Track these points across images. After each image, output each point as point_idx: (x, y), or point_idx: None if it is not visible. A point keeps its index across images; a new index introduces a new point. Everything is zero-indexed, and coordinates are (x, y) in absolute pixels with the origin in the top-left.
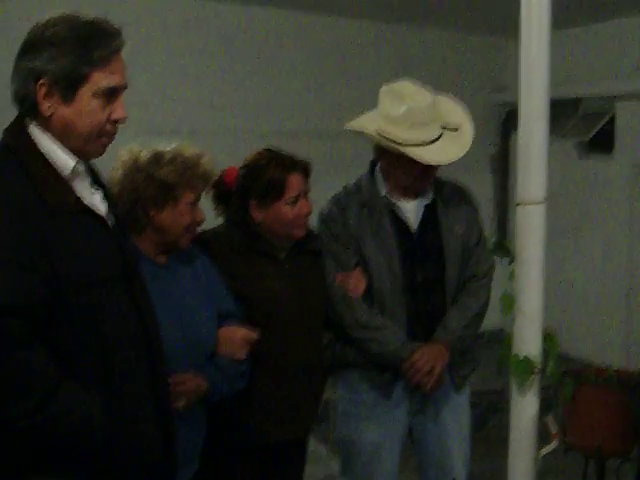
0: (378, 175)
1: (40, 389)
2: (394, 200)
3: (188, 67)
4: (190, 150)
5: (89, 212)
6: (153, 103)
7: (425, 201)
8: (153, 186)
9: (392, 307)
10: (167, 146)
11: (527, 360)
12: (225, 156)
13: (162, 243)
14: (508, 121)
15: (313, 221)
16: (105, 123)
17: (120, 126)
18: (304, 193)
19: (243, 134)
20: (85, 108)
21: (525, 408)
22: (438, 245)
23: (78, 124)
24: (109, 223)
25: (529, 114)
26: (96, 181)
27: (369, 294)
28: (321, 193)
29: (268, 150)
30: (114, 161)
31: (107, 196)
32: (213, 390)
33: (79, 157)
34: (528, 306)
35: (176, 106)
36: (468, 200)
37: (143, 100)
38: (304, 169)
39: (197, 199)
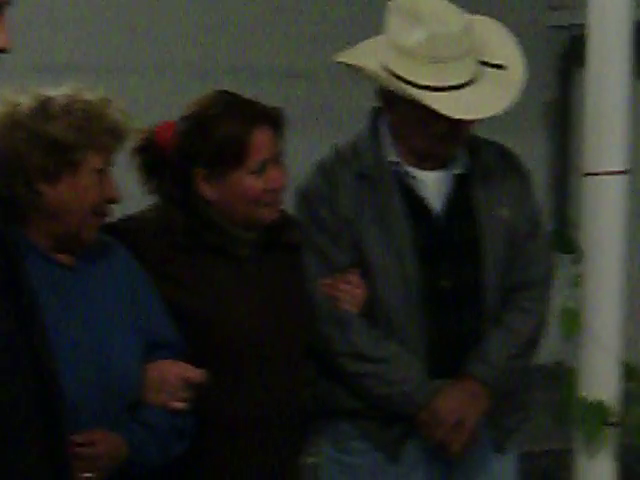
0: (384, 132)
1: None
2: (408, 169)
3: None
4: (91, 94)
5: None
6: (49, 29)
7: (454, 171)
8: (40, 148)
9: (404, 328)
10: (58, 90)
11: (599, 406)
12: (156, 105)
13: (57, 235)
14: (572, 53)
15: (289, 200)
16: None
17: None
18: (275, 157)
19: (182, 72)
20: None
21: (596, 477)
22: (473, 236)
23: None
24: None
25: (604, 42)
26: None
27: (371, 308)
28: (299, 158)
29: (221, 94)
30: None
31: None
32: (136, 456)
33: None
34: (601, 327)
35: (83, 33)
36: (518, 170)
37: (35, 24)
38: (275, 122)
39: (106, 165)
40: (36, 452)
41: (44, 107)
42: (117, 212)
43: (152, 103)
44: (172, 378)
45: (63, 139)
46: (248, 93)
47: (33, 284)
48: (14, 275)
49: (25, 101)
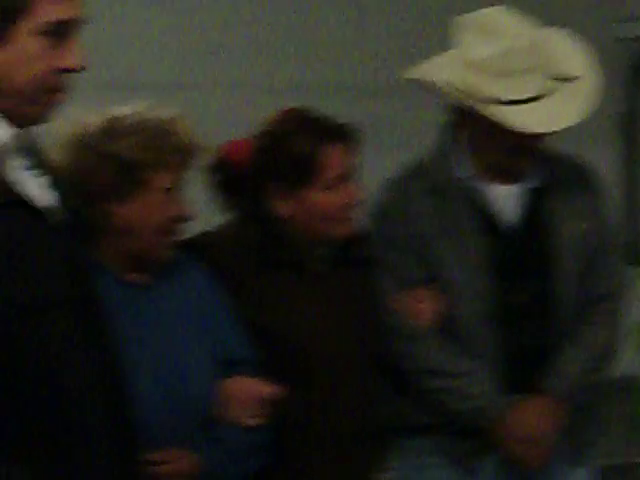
0: (456, 147)
1: None
2: (481, 184)
3: None
4: (158, 112)
5: (23, 205)
6: (121, 47)
7: (529, 185)
8: (108, 168)
9: (479, 343)
10: (126, 109)
11: None
12: (227, 122)
13: (129, 253)
14: None
15: (361, 215)
16: (53, 73)
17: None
18: (349, 173)
19: (253, 89)
20: (24, 51)
21: None
22: (547, 250)
23: (14, 74)
24: (61, 222)
25: None
26: (38, 161)
27: (445, 324)
28: (371, 173)
29: (295, 111)
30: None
31: (56, 183)
32: (212, 474)
33: (15, 123)
34: None
35: (154, 51)
36: (591, 183)
37: (106, 42)
38: (348, 138)
39: (176, 183)
40: (107, 470)
41: (113, 126)
42: (188, 229)
43: (223, 120)
44: (248, 395)
45: (131, 158)
46: (319, 110)
47: (104, 302)
48: (84, 291)
49: (94, 121)
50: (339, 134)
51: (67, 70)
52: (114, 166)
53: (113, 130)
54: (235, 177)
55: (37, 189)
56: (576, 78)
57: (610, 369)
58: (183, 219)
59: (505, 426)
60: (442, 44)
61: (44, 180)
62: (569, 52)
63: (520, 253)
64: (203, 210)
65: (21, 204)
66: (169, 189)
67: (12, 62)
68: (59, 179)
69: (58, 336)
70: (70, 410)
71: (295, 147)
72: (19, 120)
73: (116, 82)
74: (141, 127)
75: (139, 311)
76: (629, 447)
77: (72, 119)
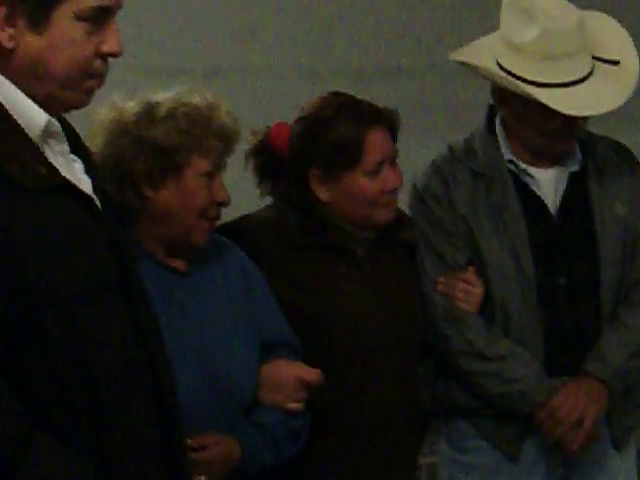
0: (499, 131)
1: (4, 449)
2: (523, 167)
3: None
4: (197, 98)
5: (70, 189)
6: (159, 32)
7: (569, 168)
8: (144, 153)
9: (521, 326)
10: (163, 94)
11: None
12: (266, 106)
13: (167, 239)
14: None
15: (403, 199)
16: (92, 58)
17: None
18: (390, 158)
19: (292, 74)
20: (63, 37)
21: None
22: (589, 233)
23: (53, 60)
24: (103, 206)
25: None
26: (75, 146)
27: (487, 306)
28: (412, 157)
29: (335, 95)
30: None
31: (91, 168)
32: (250, 460)
33: (52, 109)
34: None
35: (192, 36)
36: (633, 166)
37: (144, 27)
38: (389, 122)
39: (215, 169)
40: (153, 458)
41: (149, 112)
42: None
43: (262, 105)
44: (288, 379)
45: (166, 143)
46: (358, 94)
47: (147, 287)
48: (130, 275)
49: (131, 106)
50: (380, 119)
51: (106, 55)
52: (150, 152)
53: (150, 116)
54: (275, 161)
55: (78, 174)
56: (618, 61)
57: None
58: (222, 204)
59: (547, 409)
60: (485, 26)
61: (81, 165)
62: (611, 34)
63: (562, 237)
64: (242, 195)
65: (66, 188)
66: (207, 174)
67: (52, 47)
68: (95, 164)
69: (106, 319)
70: (114, 394)
71: (336, 132)
72: (57, 105)
73: (154, 67)
74: (178, 112)
75: (178, 295)
76: None
77: (109, 105)
